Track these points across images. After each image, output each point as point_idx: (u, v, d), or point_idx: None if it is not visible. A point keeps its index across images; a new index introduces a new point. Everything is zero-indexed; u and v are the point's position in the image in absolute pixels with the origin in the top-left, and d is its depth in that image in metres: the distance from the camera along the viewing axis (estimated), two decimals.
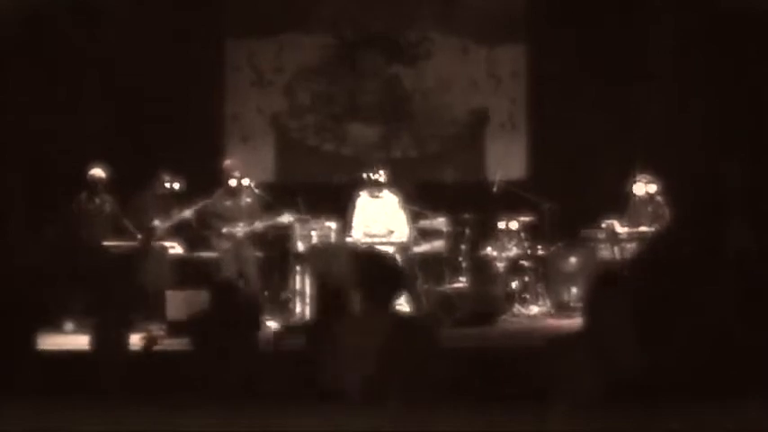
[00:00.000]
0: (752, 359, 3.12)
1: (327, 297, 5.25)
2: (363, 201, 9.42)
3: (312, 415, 2.66)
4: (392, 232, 9.31)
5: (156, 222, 9.19)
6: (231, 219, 9.17)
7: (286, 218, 9.09)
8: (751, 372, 3.05)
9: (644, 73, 10.42)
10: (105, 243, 9.02)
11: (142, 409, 2.68)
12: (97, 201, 9.23)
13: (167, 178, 9.32)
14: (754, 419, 2.50)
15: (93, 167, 9.20)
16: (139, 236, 9.06)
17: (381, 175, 9.36)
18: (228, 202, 9.23)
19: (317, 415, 2.66)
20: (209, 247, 9.28)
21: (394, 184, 9.46)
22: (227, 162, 9.51)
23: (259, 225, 9.15)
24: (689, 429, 2.48)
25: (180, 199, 9.33)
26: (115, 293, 8.24)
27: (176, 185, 9.29)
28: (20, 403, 2.85)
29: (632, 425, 2.52)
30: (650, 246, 8.67)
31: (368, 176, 9.37)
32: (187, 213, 9.18)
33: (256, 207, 9.26)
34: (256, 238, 9.25)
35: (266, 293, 9.45)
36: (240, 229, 9.14)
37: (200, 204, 9.21)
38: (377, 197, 9.38)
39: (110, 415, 2.66)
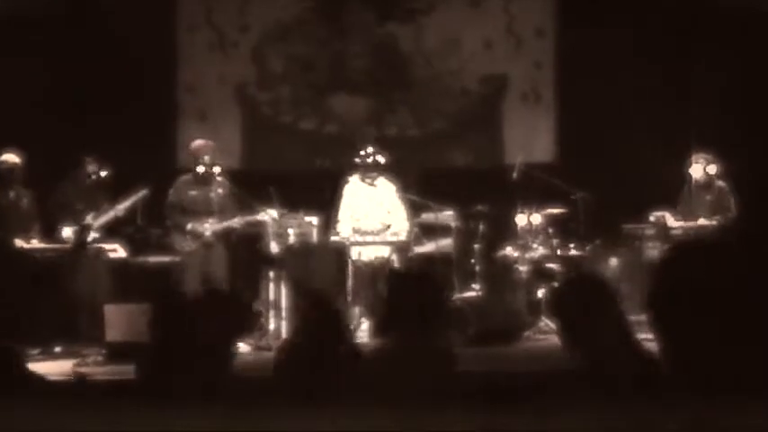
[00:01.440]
0: None
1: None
2: (353, 188, 9.34)
3: (312, 415, 2.89)
4: (388, 228, 9.22)
5: (89, 219, 9.09)
6: (197, 213, 9.07)
7: (267, 214, 9.00)
8: None
9: (699, 33, 10.45)
10: (25, 245, 8.88)
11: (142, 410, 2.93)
12: (12, 194, 9.08)
13: (92, 164, 9.22)
14: None
15: (5, 152, 9.05)
16: (69, 236, 8.99)
17: (378, 156, 9.23)
18: (195, 193, 9.14)
19: (316, 415, 2.88)
20: (162, 250, 9.23)
21: (393, 167, 9.39)
22: (197, 143, 9.41)
23: (236, 222, 9.07)
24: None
25: (119, 191, 9.26)
26: (39, 309, 8.15)
27: (103, 173, 9.22)
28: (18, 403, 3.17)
29: (632, 425, 2.76)
30: (710, 242, 8.62)
31: (361, 158, 9.23)
32: (121, 208, 9.11)
33: (229, 200, 9.18)
34: (225, 239, 9.18)
35: None
36: (209, 226, 8.97)
37: (140, 196, 9.13)
38: (370, 184, 9.30)
39: (108, 415, 2.89)
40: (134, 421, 2.78)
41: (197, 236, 9.03)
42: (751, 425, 2.65)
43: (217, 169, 9.12)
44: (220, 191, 9.15)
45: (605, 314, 3.80)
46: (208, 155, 9.13)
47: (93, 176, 9.21)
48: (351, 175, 9.38)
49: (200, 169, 9.08)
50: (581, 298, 3.87)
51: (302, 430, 2.73)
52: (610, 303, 3.87)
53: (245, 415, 2.82)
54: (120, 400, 3.61)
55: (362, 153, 9.33)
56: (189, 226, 9.03)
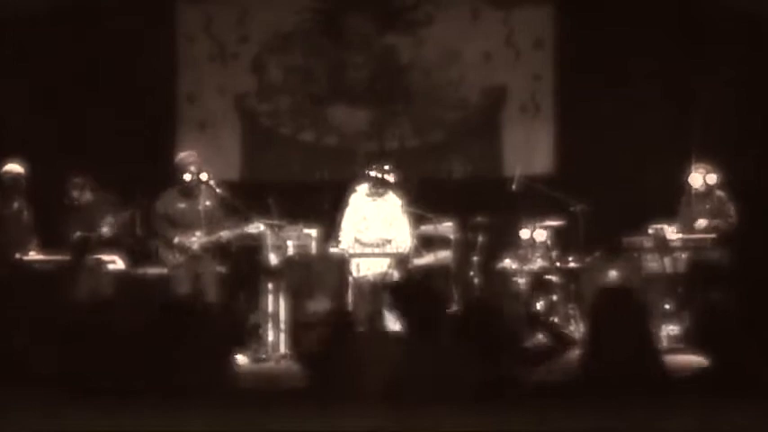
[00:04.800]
0: None
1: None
2: (359, 199, 9.31)
3: (313, 415, 3.00)
4: (389, 242, 9.21)
5: (78, 234, 9.09)
6: (185, 225, 9.03)
7: (255, 227, 8.97)
8: None
9: (698, 44, 10.44)
10: (25, 256, 8.89)
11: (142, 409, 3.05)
12: (15, 204, 9.10)
13: (77, 188, 9.24)
14: None
15: (8, 163, 9.07)
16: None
17: (387, 176, 9.23)
18: (182, 205, 9.08)
19: (317, 415, 3.00)
20: (161, 261, 9.17)
21: (401, 184, 9.38)
22: (182, 154, 9.34)
23: (224, 235, 9.00)
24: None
25: (118, 200, 9.31)
26: (38, 320, 8.11)
27: (87, 196, 9.22)
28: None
29: (632, 425, 2.90)
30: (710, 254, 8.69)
31: (370, 173, 9.23)
32: (105, 229, 9.10)
33: (218, 212, 9.11)
34: (217, 251, 9.12)
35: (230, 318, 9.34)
36: (196, 239, 8.97)
37: (128, 212, 9.14)
38: (377, 198, 9.26)
39: (110, 415, 3.01)
40: (134, 421, 2.87)
41: (184, 249, 8.99)
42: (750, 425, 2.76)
43: (204, 176, 9.02)
44: (208, 203, 9.06)
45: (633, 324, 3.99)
46: (194, 165, 9.04)
47: (77, 199, 9.20)
48: (359, 184, 9.32)
49: (187, 177, 8.97)
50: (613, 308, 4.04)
51: (302, 430, 2.81)
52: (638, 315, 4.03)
53: (245, 415, 2.89)
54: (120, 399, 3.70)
55: (373, 169, 9.27)
56: (176, 239, 8.97)
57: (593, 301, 4.40)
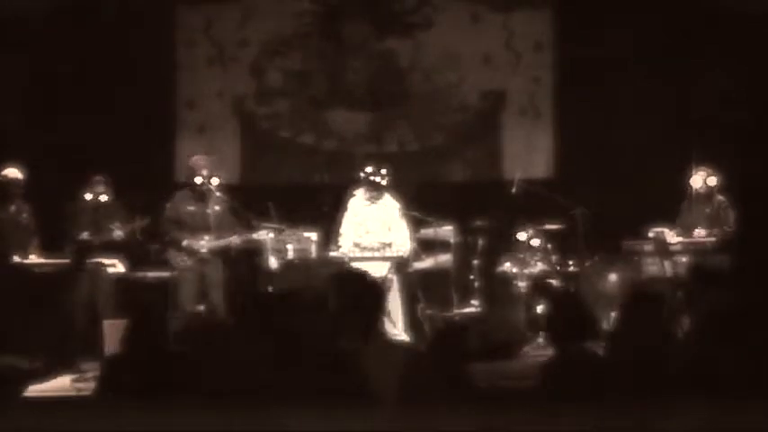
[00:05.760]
0: None
1: None
2: (357, 203, 9.29)
3: (315, 415, 3.02)
4: (388, 246, 9.20)
5: (85, 235, 9.08)
6: (194, 228, 9.03)
7: (265, 233, 9.00)
8: None
9: (698, 48, 10.44)
10: (24, 260, 8.86)
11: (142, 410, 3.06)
12: (12, 208, 9.10)
13: (99, 185, 9.21)
14: None
15: (6, 167, 9.06)
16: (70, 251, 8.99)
17: (378, 178, 9.21)
18: (192, 208, 9.09)
19: (319, 415, 3.01)
20: (161, 265, 9.20)
21: (397, 187, 9.37)
22: (195, 157, 9.34)
23: (234, 240, 9.03)
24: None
25: (119, 205, 9.27)
26: (37, 323, 8.15)
27: (106, 197, 9.20)
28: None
29: (632, 425, 2.95)
30: (711, 258, 8.69)
31: (366, 177, 9.21)
32: (118, 233, 9.09)
33: (227, 216, 9.13)
34: (222, 254, 9.13)
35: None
36: (205, 243, 8.97)
37: (140, 223, 9.13)
38: (374, 201, 9.26)
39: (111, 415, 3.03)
40: (135, 422, 2.89)
41: (193, 252, 9.01)
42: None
43: (215, 181, 9.05)
44: (218, 207, 9.06)
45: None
46: (206, 169, 9.07)
47: (97, 198, 9.17)
48: (356, 188, 9.30)
49: (198, 180, 9.01)
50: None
51: (302, 430, 2.83)
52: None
53: (246, 415, 2.90)
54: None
55: (367, 171, 9.27)
56: (185, 242, 9.00)
57: (625, 299, 4.49)
